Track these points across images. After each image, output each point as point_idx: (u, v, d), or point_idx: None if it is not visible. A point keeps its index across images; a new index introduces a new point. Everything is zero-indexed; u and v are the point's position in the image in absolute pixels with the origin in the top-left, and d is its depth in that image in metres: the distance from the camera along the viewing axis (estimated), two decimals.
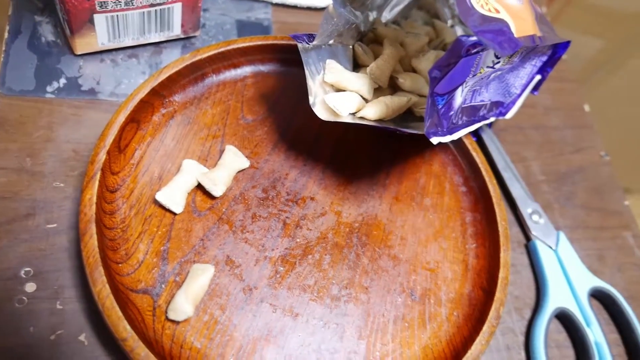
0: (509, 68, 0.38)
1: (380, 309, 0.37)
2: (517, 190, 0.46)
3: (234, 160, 0.39)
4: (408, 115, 0.41)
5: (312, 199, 0.40)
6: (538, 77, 0.42)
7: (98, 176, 0.34)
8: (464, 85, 0.35)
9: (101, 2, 0.38)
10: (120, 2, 0.39)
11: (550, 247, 0.43)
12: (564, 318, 0.41)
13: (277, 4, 0.52)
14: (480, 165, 0.43)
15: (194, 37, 0.47)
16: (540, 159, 0.50)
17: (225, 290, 0.35)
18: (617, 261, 0.46)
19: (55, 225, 0.35)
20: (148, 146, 0.38)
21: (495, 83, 0.40)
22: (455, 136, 0.37)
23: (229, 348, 0.33)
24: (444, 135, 0.36)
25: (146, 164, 0.38)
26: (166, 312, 0.33)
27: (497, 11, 0.33)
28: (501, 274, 0.38)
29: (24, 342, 0.31)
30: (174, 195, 0.36)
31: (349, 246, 0.38)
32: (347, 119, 0.36)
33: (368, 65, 0.40)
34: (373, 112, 0.37)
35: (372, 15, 0.44)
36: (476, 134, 0.48)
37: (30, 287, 0.33)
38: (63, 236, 0.35)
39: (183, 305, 0.32)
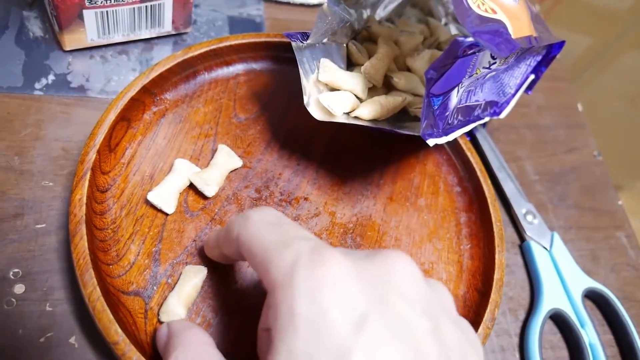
0: (504, 68, 0.38)
1: None
2: (511, 191, 0.45)
3: (226, 159, 0.38)
4: (403, 114, 0.40)
5: (305, 199, 0.39)
6: (532, 76, 0.42)
7: (88, 176, 0.33)
8: (460, 85, 0.34)
9: None
10: None
11: (545, 248, 0.43)
12: (558, 319, 0.41)
13: (269, 1, 0.51)
14: (474, 165, 0.43)
15: (185, 33, 0.46)
16: (534, 159, 0.50)
17: (218, 292, 0.34)
18: (611, 262, 0.46)
19: (44, 225, 0.35)
20: (139, 145, 0.38)
21: (490, 83, 0.39)
22: (450, 137, 0.36)
23: (222, 350, 0.32)
24: (440, 136, 0.35)
25: (137, 164, 0.37)
26: (158, 314, 0.32)
27: (494, 11, 0.33)
28: (496, 275, 0.37)
29: (13, 345, 0.31)
30: (165, 195, 0.35)
31: (344, 247, 0.38)
32: (341, 119, 0.36)
33: (362, 64, 0.40)
34: (367, 111, 0.37)
35: (366, 13, 0.43)
36: (470, 133, 0.48)
37: (19, 288, 0.32)
38: (52, 236, 0.34)
39: (175, 308, 0.32)
